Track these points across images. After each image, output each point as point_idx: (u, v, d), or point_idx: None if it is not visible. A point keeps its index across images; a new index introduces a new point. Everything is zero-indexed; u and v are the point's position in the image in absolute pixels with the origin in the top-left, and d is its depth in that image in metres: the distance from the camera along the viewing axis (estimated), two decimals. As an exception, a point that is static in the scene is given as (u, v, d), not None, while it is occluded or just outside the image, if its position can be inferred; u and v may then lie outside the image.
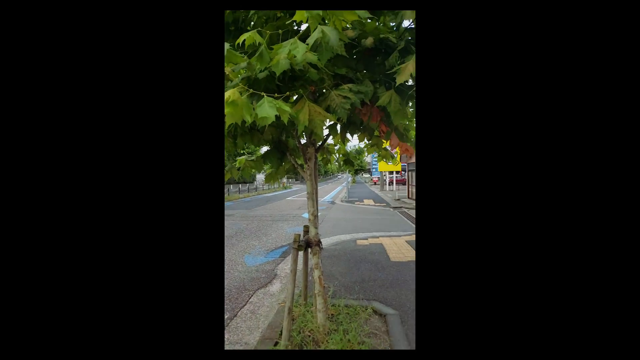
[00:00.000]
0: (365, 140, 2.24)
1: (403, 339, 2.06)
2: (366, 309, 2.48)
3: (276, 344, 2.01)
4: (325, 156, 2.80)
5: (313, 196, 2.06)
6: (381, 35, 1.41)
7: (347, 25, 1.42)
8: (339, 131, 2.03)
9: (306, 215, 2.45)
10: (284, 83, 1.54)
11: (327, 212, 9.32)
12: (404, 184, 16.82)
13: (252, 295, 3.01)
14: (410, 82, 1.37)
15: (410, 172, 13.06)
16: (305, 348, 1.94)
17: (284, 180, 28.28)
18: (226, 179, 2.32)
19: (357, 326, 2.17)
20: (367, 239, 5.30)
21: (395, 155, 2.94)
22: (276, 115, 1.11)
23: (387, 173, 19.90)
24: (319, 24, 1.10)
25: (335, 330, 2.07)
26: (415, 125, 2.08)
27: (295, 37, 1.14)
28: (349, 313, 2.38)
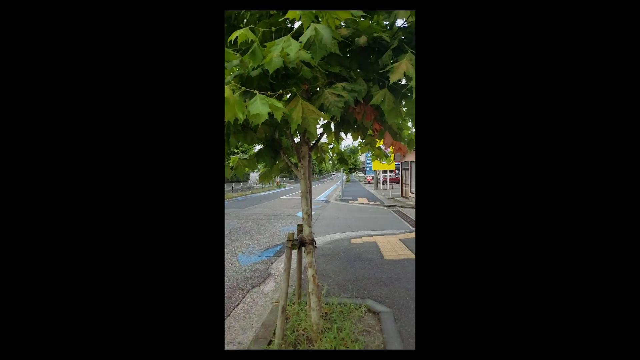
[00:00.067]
0: (359, 139, 2.24)
1: (396, 335, 2.07)
2: (360, 307, 2.49)
3: (270, 342, 2.01)
4: (319, 155, 2.79)
5: (307, 195, 2.06)
6: (375, 34, 1.41)
7: (341, 24, 1.42)
8: (333, 130, 2.03)
9: (300, 214, 2.45)
10: (277, 81, 1.53)
11: (322, 211, 9.32)
12: (398, 183, 16.94)
13: (245, 295, 3.00)
14: (404, 81, 1.37)
15: (404, 171, 13.14)
16: (299, 346, 1.94)
17: (278, 179, 28.19)
18: (219, 178, 2.29)
19: (351, 324, 2.18)
20: (361, 238, 5.32)
21: (389, 155, 2.95)
22: (269, 114, 1.11)
23: (381, 172, 19.99)
24: (312, 21, 1.09)
25: (329, 328, 2.08)
26: (408, 124, 2.09)
27: (289, 35, 1.13)
28: (342, 311, 2.38)
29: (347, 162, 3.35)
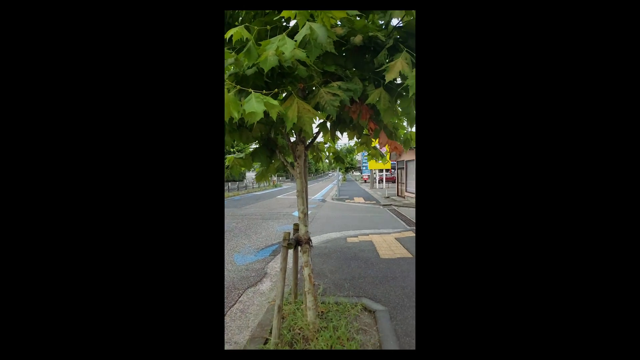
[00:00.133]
0: (355, 138, 2.24)
1: (392, 334, 2.08)
2: (356, 306, 2.50)
3: (266, 342, 2.01)
4: (315, 154, 2.79)
5: (303, 194, 2.06)
6: (370, 33, 1.41)
7: (337, 23, 1.42)
8: (329, 129, 2.03)
9: (296, 213, 2.45)
10: (273, 80, 1.53)
11: (318, 210, 9.33)
12: (394, 182, 17.00)
13: (241, 294, 2.99)
14: (399, 80, 1.38)
15: (399, 170, 13.20)
16: (295, 345, 1.94)
17: (274, 178, 28.14)
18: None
19: (347, 323, 2.19)
20: (357, 237, 5.33)
21: (385, 154, 2.96)
22: (265, 112, 1.10)
23: (377, 171, 20.05)
24: (308, 20, 1.09)
25: (325, 327, 2.08)
26: (404, 123, 2.10)
27: (284, 34, 1.13)
28: (338, 310, 2.39)
29: (343, 161, 3.35)
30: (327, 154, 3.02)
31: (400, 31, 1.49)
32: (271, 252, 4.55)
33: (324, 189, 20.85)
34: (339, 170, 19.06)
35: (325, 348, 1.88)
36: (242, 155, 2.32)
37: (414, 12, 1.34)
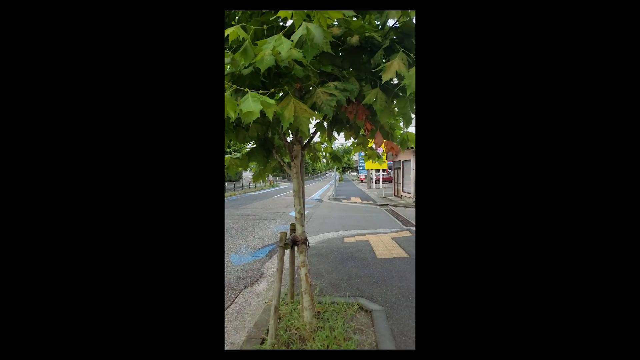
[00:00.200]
0: (352, 138, 2.25)
1: (388, 333, 2.09)
2: (352, 306, 2.50)
3: (262, 342, 2.00)
4: (312, 154, 2.79)
5: (300, 194, 2.06)
6: (366, 34, 1.41)
7: (334, 23, 1.42)
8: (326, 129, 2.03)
9: (293, 213, 2.45)
10: (269, 80, 1.53)
11: (315, 210, 9.32)
12: (391, 182, 17.05)
13: (238, 295, 2.98)
14: (396, 81, 1.38)
15: (396, 170, 13.24)
16: (292, 346, 1.94)
17: (271, 178, 28.07)
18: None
19: (344, 323, 2.19)
20: (354, 237, 5.34)
21: (382, 155, 2.97)
22: (261, 112, 1.10)
23: (373, 171, 20.10)
24: (304, 20, 1.09)
25: (321, 327, 2.08)
26: (400, 124, 2.11)
27: (280, 34, 1.13)
28: (335, 310, 2.39)
29: (340, 160, 3.35)
30: (324, 154, 3.02)
31: (396, 32, 1.49)
32: (268, 252, 4.54)
33: (321, 189, 20.85)
34: (336, 171, 19.07)
35: (321, 348, 1.89)
36: (238, 155, 2.31)
37: (410, 12, 1.35)
